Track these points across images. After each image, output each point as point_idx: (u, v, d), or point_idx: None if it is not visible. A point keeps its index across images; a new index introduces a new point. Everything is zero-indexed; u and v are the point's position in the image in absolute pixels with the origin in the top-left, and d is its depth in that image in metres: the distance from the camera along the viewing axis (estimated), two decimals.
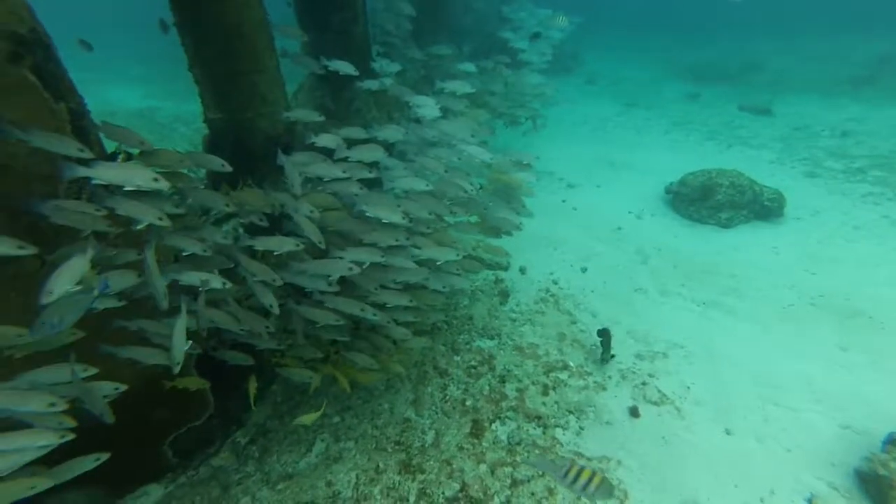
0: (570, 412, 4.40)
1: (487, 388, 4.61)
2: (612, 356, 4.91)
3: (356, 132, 4.41)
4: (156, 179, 2.66)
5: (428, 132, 4.42)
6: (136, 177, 2.62)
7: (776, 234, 7.13)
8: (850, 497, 3.74)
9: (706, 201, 7.32)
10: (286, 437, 4.16)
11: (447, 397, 4.51)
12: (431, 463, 3.90)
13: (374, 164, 4.28)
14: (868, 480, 3.79)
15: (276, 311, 3.26)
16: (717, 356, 5.01)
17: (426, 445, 4.07)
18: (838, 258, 6.50)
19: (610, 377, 4.75)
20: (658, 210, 7.90)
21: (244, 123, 5.07)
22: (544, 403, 4.48)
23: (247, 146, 5.16)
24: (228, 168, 3.24)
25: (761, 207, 7.26)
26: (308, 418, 3.86)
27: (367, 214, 3.66)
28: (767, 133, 11.09)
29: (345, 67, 5.09)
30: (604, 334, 4.87)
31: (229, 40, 4.53)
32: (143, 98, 15.03)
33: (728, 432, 4.21)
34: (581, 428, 4.27)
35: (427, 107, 4.67)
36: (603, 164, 9.69)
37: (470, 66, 6.48)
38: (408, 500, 3.64)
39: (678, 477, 3.85)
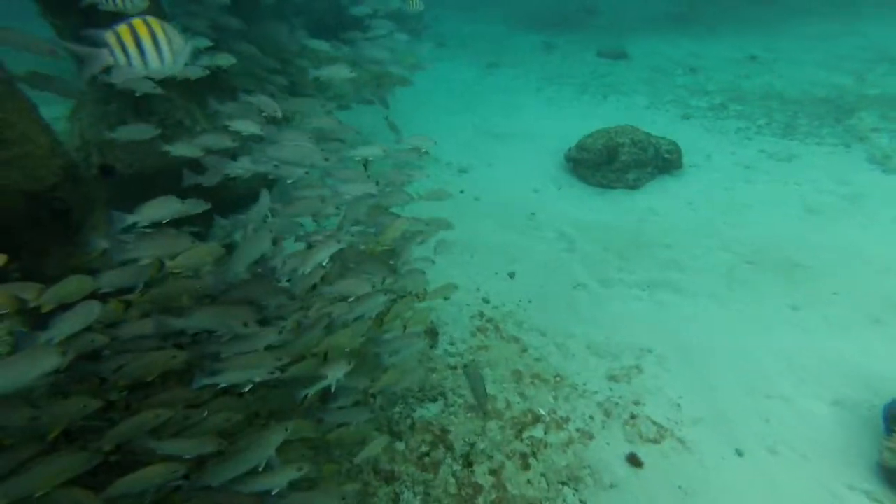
0: (564, 483, 3.42)
1: (454, 481, 3.41)
2: None
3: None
4: None
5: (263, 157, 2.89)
6: None
7: (683, 186, 6.85)
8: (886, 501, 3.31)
9: (611, 164, 6.75)
10: None
11: None
12: None
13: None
14: None
15: None
16: (688, 350, 4.39)
17: None
18: (747, 203, 6.38)
19: (592, 417, 3.85)
20: (563, 181, 7.18)
21: None
22: (530, 482, 3.42)
23: None
24: None
25: (663, 161, 6.92)
26: None
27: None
28: (632, 77, 11.07)
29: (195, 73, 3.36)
30: None
31: None
32: None
33: (739, 453, 3.57)
34: (583, 502, 3.32)
35: (245, 120, 3.08)
36: (486, 137, 8.72)
37: (324, 45, 4.84)
38: None
39: None
